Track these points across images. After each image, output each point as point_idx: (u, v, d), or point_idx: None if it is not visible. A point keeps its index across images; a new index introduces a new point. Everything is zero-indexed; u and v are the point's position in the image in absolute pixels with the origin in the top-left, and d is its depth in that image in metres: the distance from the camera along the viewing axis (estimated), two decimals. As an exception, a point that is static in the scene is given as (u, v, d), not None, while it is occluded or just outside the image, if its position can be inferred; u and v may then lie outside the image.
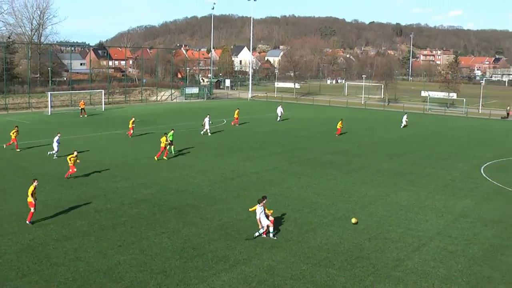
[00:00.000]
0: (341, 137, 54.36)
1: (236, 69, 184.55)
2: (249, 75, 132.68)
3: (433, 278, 19.41)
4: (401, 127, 64.61)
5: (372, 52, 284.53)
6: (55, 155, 39.09)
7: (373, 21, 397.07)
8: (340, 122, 56.30)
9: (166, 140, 39.62)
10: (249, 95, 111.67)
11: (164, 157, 39.70)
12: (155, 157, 39.32)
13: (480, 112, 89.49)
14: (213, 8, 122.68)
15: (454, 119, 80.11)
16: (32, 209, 23.96)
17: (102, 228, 23.85)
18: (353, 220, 25.34)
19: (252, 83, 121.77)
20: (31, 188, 24.14)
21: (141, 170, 36.04)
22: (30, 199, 23.99)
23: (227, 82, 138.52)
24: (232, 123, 61.08)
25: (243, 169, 36.97)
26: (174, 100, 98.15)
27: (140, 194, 29.61)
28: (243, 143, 48.52)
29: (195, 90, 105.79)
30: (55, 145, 39.11)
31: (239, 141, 49.93)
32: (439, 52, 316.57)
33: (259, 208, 22.81)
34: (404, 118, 66.13)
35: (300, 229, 24.24)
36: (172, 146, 41.76)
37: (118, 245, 21.71)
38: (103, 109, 76.44)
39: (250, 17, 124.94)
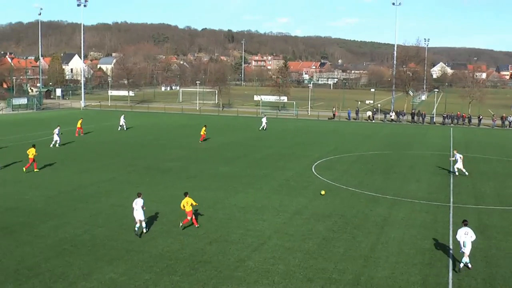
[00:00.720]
0: (178, 143, 54.57)
1: (67, 77, 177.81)
2: (81, 83, 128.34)
3: (273, 275, 20.18)
4: (260, 129, 68.10)
5: (205, 59, 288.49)
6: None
7: (206, 28, 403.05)
8: (204, 128, 57.09)
9: (36, 152, 38.99)
10: (82, 104, 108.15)
11: (35, 169, 38.79)
12: (24, 168, 38.35)
13: (309, 114, 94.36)
14: (39, 14, 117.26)
15: (286, 121, 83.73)
16: None
17: None
18: (322, 192, 31.81)
19: (84, 92, 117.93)
20: None
21: (-35, 188, 33.47)
22: None
23: (58, 92, 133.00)
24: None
25: (79, 181, 35.71)
26: (0, 112, 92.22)
27: (-35, 215, 27.48)
28: (78, 155, 46.86)
29: (23, 100, 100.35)
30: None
31: (74, 152, 48.15)
32: (269, 57, 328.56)
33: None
34: (264, 120, 69.57)
35: (141, 239, 23.95)
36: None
37: None
38: None
39: (81, 24, 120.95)
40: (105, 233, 24.66)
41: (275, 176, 38.56)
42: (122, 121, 66.71)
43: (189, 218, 25.47)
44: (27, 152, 38.89)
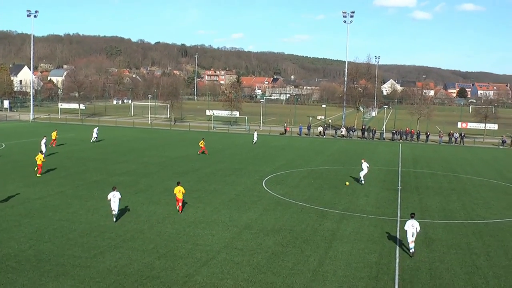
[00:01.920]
0: (128, 157, 54.02)
1: (15, 89, 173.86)
2: (30, 95, 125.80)
3: (221, 290, 20.15)
4: (253, 143, 71.35)
5: (158, 72, 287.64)
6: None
7: (159, 42, 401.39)
8: (202, 141, 59.78)
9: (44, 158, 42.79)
10: (31, 117, 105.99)
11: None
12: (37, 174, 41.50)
13: (261, 129, 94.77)
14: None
15: (238, 136, 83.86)
16: None
17: None
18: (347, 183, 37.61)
19: (33, 104, 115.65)
20: None
21: None
22: None
23: (6, 104, 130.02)
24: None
25: (25, 195, 34.90)
26: None
27: None
28: (24, 168, 45.75)
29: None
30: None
31: (20, 166, 47.03)
32: (222, 72, 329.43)
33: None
34: (255, 134, 72.88)
35: (88, 254, 23.57)
36: None
37: None
38: None
39: (31, 34, 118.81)
40: (51, 248, 24.18)
41: (225, 191, 38.56)
42: (95, 133, 68.34)
43: (179, 203, 31.61)
44: (36, 158, 42.84)
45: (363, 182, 43.47)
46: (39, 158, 42.90)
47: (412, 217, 25.52)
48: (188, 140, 73.78)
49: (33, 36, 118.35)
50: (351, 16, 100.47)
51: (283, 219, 30.89)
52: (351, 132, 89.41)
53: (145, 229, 27.71)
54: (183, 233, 27.29)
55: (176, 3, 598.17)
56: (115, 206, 29.38)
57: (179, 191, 31.60)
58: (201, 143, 59.65)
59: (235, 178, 44.02)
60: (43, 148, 52.53)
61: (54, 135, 61.72)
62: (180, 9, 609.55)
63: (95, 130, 68.88)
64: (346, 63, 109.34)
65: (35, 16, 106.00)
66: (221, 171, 47.73)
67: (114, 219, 29.22)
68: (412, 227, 24.92)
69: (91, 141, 66.85)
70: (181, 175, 44.58)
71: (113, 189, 30.08)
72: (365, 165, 43.96)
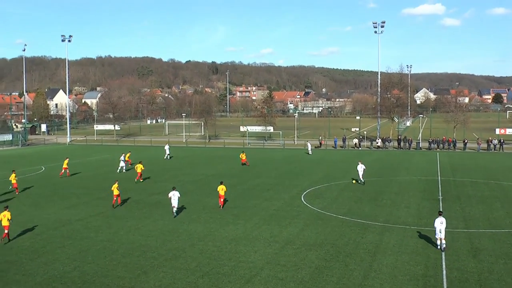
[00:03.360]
0: (166, 176, 54.29)
1: (52, 113, 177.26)
2: (66, 118, 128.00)
3: (266, 307, 19.94)
4: (310, 153, 75.60)
5: (190, 91, 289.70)
6: None
7: (190, 60, 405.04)
8: (243, 153, 64.31)
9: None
10: (68, 140, 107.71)
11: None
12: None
13: (296, 143, 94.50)
14: (24, 50, 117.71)
15: (273, 151, 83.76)
16: None
17: None
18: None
19: (70, 126, 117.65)
20: None
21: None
22: None
23: (43, 127, 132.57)
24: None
25: (67, 217, 35.31)
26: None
27: (-49, 255, 26.96)
28: (64, 190, 46.38)
29: (8, 137, 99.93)
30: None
31: (61, 188, 47.68)
32: (254, 88, 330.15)
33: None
34: (309, 146, 75.90)
35: (132, 274, 23.63)
36: None
37: None
38: None
39: (65, 59, 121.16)
40: (95, 269, 24.31)
41: (264, 206, 38.41)
42: (167, 150, 72.90)
43: (222, 200, 37.65)
44: (136, 167, 50.93)
45: (363, 181, 48.27)
46: (139, 167, 50.25)
47: (440, 215, 27.55)
48: (223, 157, 73.92)
49: (67, 60, 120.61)
50: (382, 26, 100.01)
51: (325, 233, 30.57)
52: (387, 143, 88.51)
53: (187, 248, 27.68)
54: (225, 250, 27.19)
55: (204, 22, 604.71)
56: (175, 203, 35.02)
57: (221, 189, 37.68)
58: (242, 155, 63.87)
59: (273, 193, 43.85)
60: (122, 163, 58.75)
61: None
62: (209, 27, 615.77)
63: (167, 148, 73.35)
64: (379, 73, 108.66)
65: (69, 41, 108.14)
66: (259, 186, 47.62)
67: (175, 215, 35.01)
68: (441, 224, 26.83)
69: (165, 158, 71.18)
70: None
71: (173, 188, 35.86)
72: (360, 167, 48.77)
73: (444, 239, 26.76)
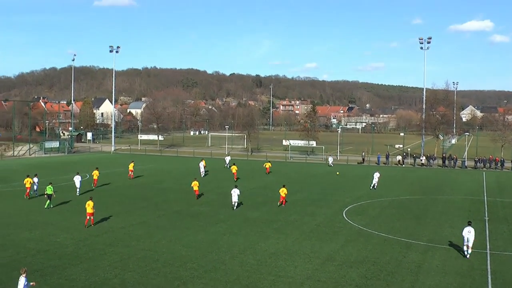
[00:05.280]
0: (208, 188, 54.40)
1: (97, 121, 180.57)
2: (111, 127, 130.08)
3: (306, 324, 19.66)
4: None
5: (233, 103, 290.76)
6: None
7: (234, 73, 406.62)
8: (269, 163, 70.14)
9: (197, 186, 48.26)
10: (112, 148, 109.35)
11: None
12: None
13: (338, 158, 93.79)
14: (73, 60, 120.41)
15: (315, 166, 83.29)
16: None
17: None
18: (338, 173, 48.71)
19: (115, 135, 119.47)
20: None
21: (-3, 231, 33.65)
22: None
23: (89, 135, 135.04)
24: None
25: (109, 225, 35.74)
26: (33, 155, 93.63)
27: (-4, 258, 27.53)
28: (107, 198, 47.00)
29: (55, 144, 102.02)
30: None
31: (103, 196, 48.30)
32: (297, 102, 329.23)
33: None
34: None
35: (171, 284, 23.66)
36: (48, 201, 42.23)
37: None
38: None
39: (112, 69, 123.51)
40: (135, 277, 24.45)
41: (306, 221, 38.12)
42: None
43: (282, 200, 43.67)
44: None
45: (375, 187, 54.35)
46: (196, 184, 49.08)
47: (469, 224, 29.66)
48: (265, 170, 73.75)
49: (115, 70, 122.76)
50: (428, 42, 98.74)
51: (366, 251, 30.11)
52: (431, 161, 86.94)
53: (227, 260, 27.61)
54: (264, 264, 27.01)
55: (250, 36, 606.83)
56: (235, 199, 41.63)
57: (282, 191, 43.76)
58: (266, 165, 70.53)
59: (314, 209, 43.49)
60: (202, 169, 64.39)
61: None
62: (254, 41, 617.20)
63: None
64: (424, 89, 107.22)
65: (116, 52, 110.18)
66: (300, 201, 47.33)
67: (234, 208, 41.55)
68: (468, 233, 28.74)
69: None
70: (260, 205, 44.54)
71: (235, 186, 42.87)
72: (376, 174, 55.21)
73: (472, 248, 28.69)
